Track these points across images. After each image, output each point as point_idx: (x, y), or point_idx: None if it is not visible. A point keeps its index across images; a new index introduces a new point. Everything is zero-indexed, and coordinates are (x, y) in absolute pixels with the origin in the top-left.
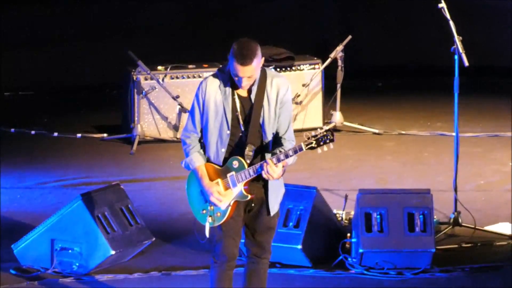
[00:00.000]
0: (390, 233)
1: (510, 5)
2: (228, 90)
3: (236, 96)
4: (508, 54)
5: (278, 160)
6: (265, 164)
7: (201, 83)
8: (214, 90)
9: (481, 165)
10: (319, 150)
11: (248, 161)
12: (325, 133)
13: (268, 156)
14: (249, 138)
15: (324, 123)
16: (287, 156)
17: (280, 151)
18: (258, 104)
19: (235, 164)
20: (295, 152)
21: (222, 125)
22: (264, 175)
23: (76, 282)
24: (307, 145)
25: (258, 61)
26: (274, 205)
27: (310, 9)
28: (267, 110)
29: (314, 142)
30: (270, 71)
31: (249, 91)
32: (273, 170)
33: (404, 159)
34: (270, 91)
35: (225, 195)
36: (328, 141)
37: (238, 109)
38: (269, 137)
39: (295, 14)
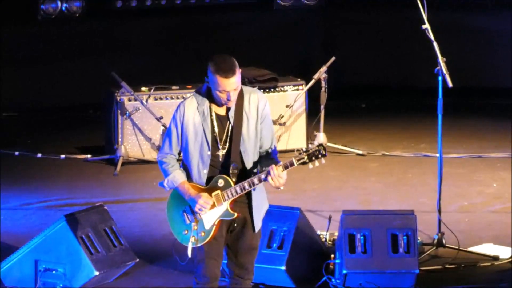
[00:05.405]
0: (373, 254)
1: (480, 24)
2: (207, 110)
3: (214, 117)
4: (491, 75)
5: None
6: (271, 169)
7: (178, 106)
8: (192, 112)
9: (464, 186)
10: (310, 165)
11: (234, 179)
12: (317, 147)
13: (255, 172)
14: (232, 157)
15: (308, 144)
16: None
17: (271, 166)
18: (237, 122)
19: (221, 182)
20: (286, 167)
21: (202, 146)
22: (271, 181)
23: None
24: (298, 160)
25: (239, 72)
26: (258, 222)
27: (293, 30)
28: (246, 128)
29: (306, 157)
30: (246, 87)
31: (227, 109)
32: (279, 175)
33: (388, 180)
34: (248, 109)
35: (211, 211)
36: (320, 156)
37: (217, 129)
38: (251, 154)
39: (278, 35)
